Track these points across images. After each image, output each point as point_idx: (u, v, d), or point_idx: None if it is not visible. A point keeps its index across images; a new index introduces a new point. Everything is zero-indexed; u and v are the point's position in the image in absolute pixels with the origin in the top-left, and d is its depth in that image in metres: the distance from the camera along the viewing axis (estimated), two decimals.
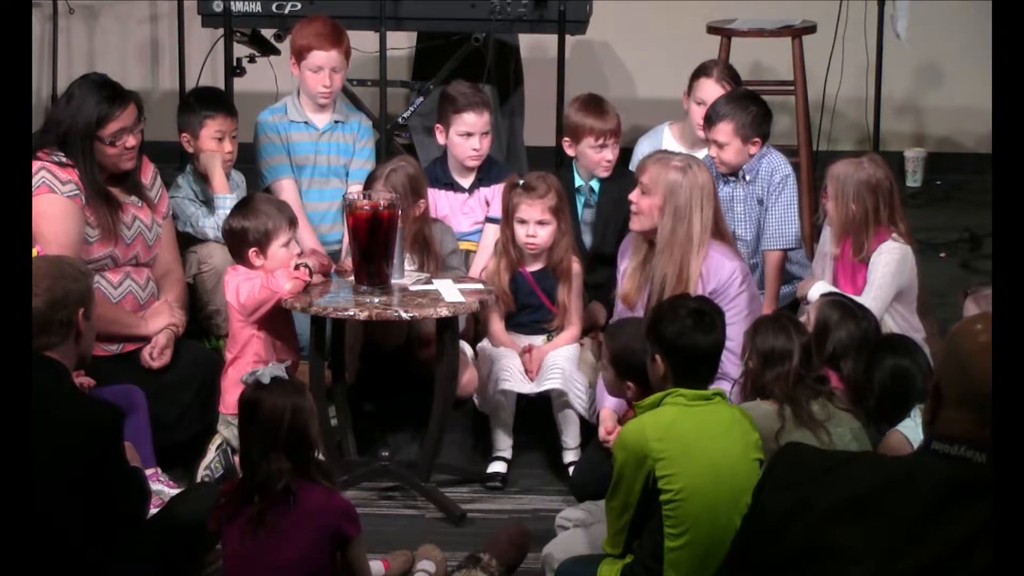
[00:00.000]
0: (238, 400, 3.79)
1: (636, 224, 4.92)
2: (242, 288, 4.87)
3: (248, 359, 4.85)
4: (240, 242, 4.94)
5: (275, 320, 4.92)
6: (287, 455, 3.66)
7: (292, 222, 5.00)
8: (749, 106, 5.54)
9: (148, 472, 4.51)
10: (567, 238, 5.22)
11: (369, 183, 5.27)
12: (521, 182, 5.21)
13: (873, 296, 4.93)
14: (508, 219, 5.23)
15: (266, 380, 3.72)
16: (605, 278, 5.41)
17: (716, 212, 4.93)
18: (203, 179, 5.50)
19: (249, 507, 3.66)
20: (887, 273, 4.97)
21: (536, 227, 5.16)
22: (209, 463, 4.87)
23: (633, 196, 4.90)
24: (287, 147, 5.73)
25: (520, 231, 5.18)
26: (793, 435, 4.00)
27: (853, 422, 4.17)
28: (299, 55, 5.69)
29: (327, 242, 5.68)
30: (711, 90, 5.81)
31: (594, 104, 5.57)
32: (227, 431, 4.88)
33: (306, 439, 3.71)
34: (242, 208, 5.01)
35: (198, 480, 4.80)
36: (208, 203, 5.46)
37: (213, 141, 5.50)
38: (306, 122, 5.75)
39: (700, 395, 3.89)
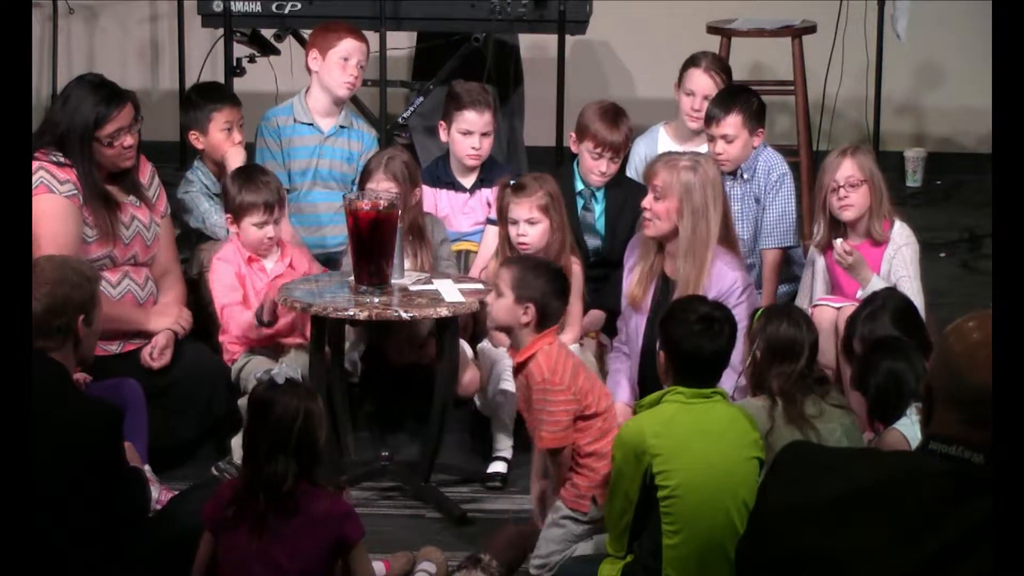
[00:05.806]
0: (248, 398, 3.76)
1: (651, 230, 4.90)
2: (216, 287, 5.11)
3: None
4: (225, 202, 5.22)
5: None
6: (295, 458, 3.64)
7: (268, 206, 5.09)
8: (750, 97, 5.58)
9: None
10: (565, 238, 5.20)
11: (366, 175, 5.27)
12: (512, 182, 5.20)
13: (917, 288, 5.07)
14: (503, 220, 5.23)
15: (280, 380, 3.69)
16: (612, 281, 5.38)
17: (726, 211, 4.95)
18: (214, 173, 5.50)
19: (253, 508, 3.64)
20: (916, 259, 5.15)
21: (525, 226, 5.15)
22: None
23: (646, 202, 4.88)
24: (285, 153, 5.72)
25: (512, 231, 5.18)
26: (783, 433, 4.00)
27: (845, 418, 4.17)
28: (328, 44, 5.69)
29: (328, 246, 5.68)
30: (700, 80, 5.82)
31: (610, 114, 5.52)
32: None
33: (314, 446, 3.68)
34: (242, 173, 5.23)
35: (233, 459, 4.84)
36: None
37: (222, 133, 5.50)
38: (311, 123, 5.75)
39: (699, 393, 3.90)
